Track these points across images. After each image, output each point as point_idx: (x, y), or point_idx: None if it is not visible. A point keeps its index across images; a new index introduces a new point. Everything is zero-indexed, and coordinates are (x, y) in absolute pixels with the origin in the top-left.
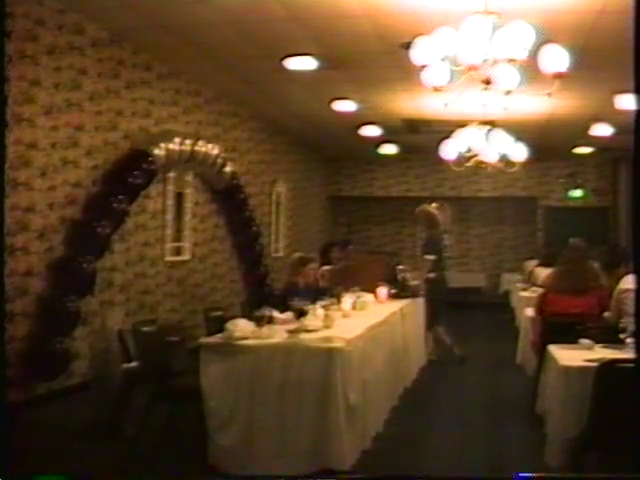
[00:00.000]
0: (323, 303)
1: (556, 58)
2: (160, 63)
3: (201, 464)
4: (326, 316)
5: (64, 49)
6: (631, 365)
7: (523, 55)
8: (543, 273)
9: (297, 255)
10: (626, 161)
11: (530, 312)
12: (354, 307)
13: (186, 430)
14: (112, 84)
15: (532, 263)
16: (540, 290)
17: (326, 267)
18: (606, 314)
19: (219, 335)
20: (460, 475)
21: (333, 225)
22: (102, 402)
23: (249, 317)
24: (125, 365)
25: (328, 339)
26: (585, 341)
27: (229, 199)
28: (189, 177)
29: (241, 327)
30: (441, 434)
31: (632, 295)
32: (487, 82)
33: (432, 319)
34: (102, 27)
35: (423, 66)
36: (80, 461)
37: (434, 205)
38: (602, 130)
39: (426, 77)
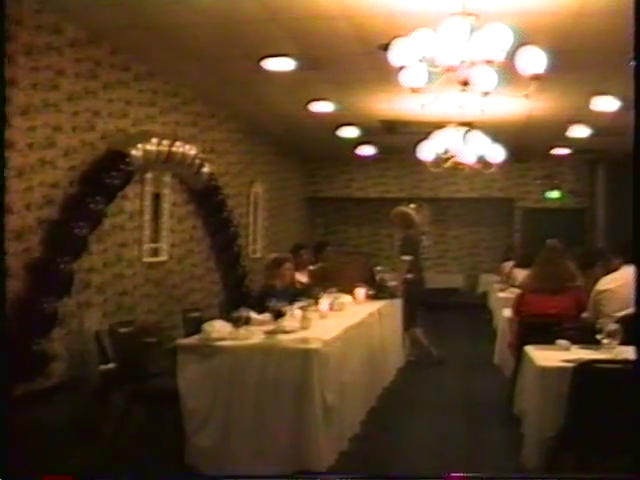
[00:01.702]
0: (300, 304)
1: (534, 60)
2: (138, 63)
3: (179, 465)
4: (303, 317)
5: (42, 49)
6: (608, 366)
7: (501, 57)
8: (520, 274)
9: (272, 256)
10: (603, 162)
11: (507, 313)
12: (332, 308)
13: (164, 431)
14: (90, 84)
15: (509, 264)
16: (517, 291)
17: (309, 268)
18: (583, 315)
19: (196, 336)
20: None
21: (311, 226)
22: (80, 403)
23: (227, 318)
24: (102, 366)
25: (305, 340)
26: (562, 342)
27: (207, 200)
28: (167, 178)
29: (218, 328)
30: (419, 435)
31: (609, 295)
32: (465, 83)
33: (410, 320)
34: (80, 27)
35: (401, 67)
36: (58, 462)
37: (412, 206)
38: (579, 132)
39: (404, 78)
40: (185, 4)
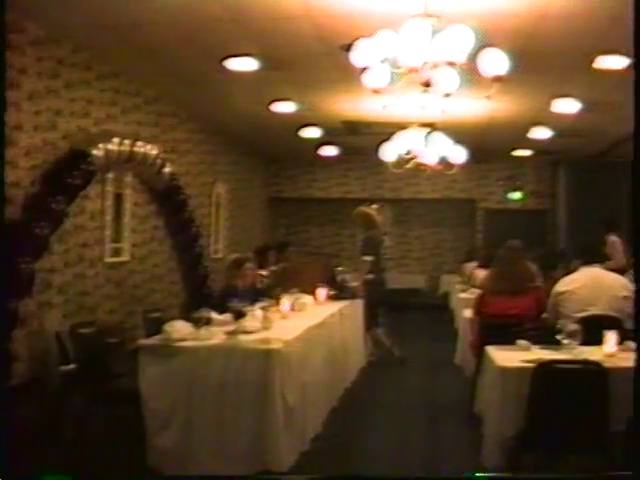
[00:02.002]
0: (262, 305)
1: (495, 61)
2: (100, 63)
3: (140, 466)
4: (265, 317)
5: (7, 47)
6: (568, 366)
7: (463, 58)
8: (482, 274)
9: (233, 256)
10: (565, 164)
11: (468, 313)
12: (293, 309)
13: (125, 432)
14: (52, 83)
15: (471, 265)
16: (478, 291)
17: (271, 268)
18: (543, 315)
19: (157, 337)
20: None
21: (273, 226)
22: (40, 404)
23: (188, 319)
24: (63, 367)
25: (266, 340)
26: (522, 342)
27: (168, 200)
28: (128, 178)
29: (179, 329)
30: (380, 435)
31: (568, 297)
32: (427, 85)
33: (371, 320)
34: (42, 26)
35: (363, 68)
36: (18, 464)
37: (374, 207)
38: (541, 133)
39: (366, 79)
40: (147, 3)
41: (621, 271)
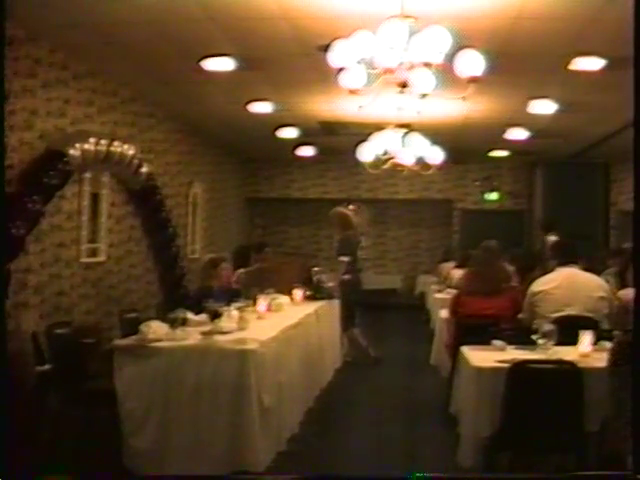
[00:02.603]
0: (238, 305)
1: (472, 62)
2: (77, 62)
3: (116, 467)
4: (241, 318)
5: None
6: (542, 366)
7: (439, 59)
8: (458, 274)
9: (208, 256)
10: (541, 165)
11: (444, 314)
12: (269, 309)
13: (101, 433)
14: (28, 83)
15: (448, 265)
16: (455, 292)
17: (241, 269)
18: (519, 315)
19: (133, 337)
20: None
21: (250, 227)
22: (16, 405)
23: (164, 319)
24: (39, 368)
25: (242, 341)
26: (498, 342)
27: (145, 200)
28: (105, 178)
29: (155, 329)
30: (356, 435)
31: (544, 297)
32: (403, 85)
33: (347, 321)
34: (18, 25)
35: (340, 69)
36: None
37: (351, 207)
38: (517, 134)
39: (343, 80)
40: (124, 3)
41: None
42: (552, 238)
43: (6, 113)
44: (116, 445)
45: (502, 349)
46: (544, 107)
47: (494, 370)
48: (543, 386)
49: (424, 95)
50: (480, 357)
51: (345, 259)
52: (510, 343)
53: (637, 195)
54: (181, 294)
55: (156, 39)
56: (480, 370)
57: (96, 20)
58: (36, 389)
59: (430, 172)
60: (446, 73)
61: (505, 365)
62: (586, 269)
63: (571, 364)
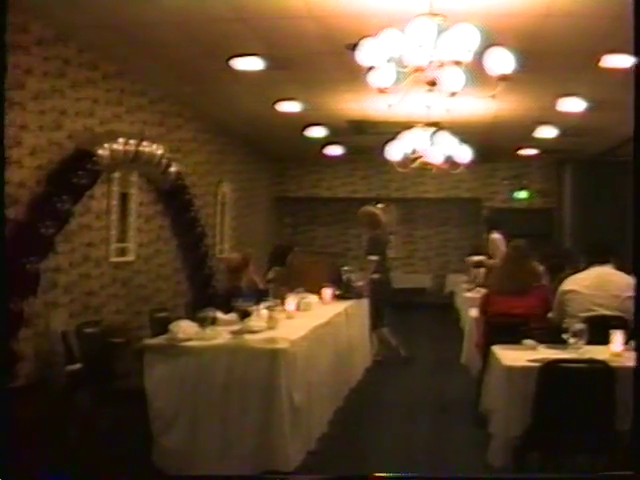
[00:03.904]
0: (267, 304)
1: (501, 60)
2: (106, 62)
3: (146, 466)
4: (270, 317)
5: (8, 48)
6: (574, 365)
7: (468, 57)
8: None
9: (237, 255)
10: (570, 163)
11: (474, 313)
12: (298, 308)
13: (130, 432)
14: (57, 83)
15: None
16: (484, 291)
17: (275, 268)
18: (549, 314)
19: (163, 337)
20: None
21: (278, 226)
22: (46, 404)
23: (193, 318)
24: (69, 367)
25: (272, 340)
26: (528, 341)
27: (174, 200)
28: (134, 177)
29: (184, 328)
30: (386, 434)
31: (574, 296)
32: (432, 84)
33: (377, 320)
34: (47, 26)
35: (369, 67)
36: (23, 463)
37: (379, 206)
38: (546, 132)
39: (371, 78)
40: (153, 3)
41: None
42: (494, 236)
43: (36, 113)
44: (145, 444)
45: (533, 348)
46: (573, 105)
47: (525, 369)
48: (575, 385)
49: (453, 93)
50: (511, 356)
51: (374, 258)
52: (540, 342)
53: (637, 195)
54: (210, 293)
55: (184, 39)
56: (511, 369)
57: (125, 20)
58: (66, 388)
59: (459, 171)
60: (475, 71)
61: (536, 364)
62: (619, 268)
63: (603, 363)
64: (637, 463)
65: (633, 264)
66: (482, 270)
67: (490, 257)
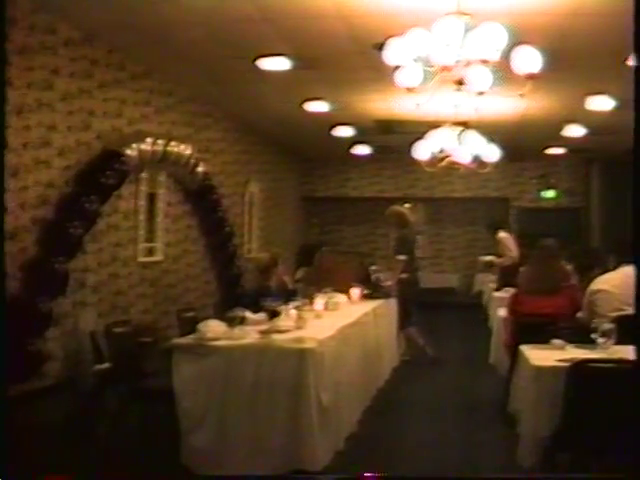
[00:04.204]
0: (295, 304)
1: (529, 59)
2: (133, 63)
3: (174, 465)
4: (298, 317)
5: (36, 49)
6: (603, 365)
7: (496, 56)
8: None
9: (265, 255)
10: (598, 162)
11: (502, 312)
12: (326, 308)
13: (158, 431)
14: (85, 84)
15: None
16: (512, 290)
17: (303, 268)
18: (578, 314)
19: (191, 336)
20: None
21: (306, 226)
22: (74, 403)
23: (221, 318)
24: (97, 366)
25: (300, 340)
26: (557, 341)
27: (202, 200)
28: (162, 177)
29: (213, 328)
30: (414, 434)
31: (603, 296)
32: (460, 83)
33: (405, 319)
34: (75, 27)
35: (396, 67)
36: (52, 462)
37: (407, 205)
38: (575, 131)
39: (399, 78)
40: (180, 4)
41: (517, 266)
42: (502, 235)
43: (64, 114)
44: (174, 443)
45: (562, 348)
46: (602, 103)
47: (554, 369)
48: (604, 385)
49: (481, 92)
50: (540, 356)
51: (402, 258)
52: (569, 342)
53: (637, 195)
54: (238, 293)
55: (211, 39)
56: (540, 369)
57: (152, 21)
58: (94, 387)
59: (486, 170)
60: (503, 70)
61: (565, 364)
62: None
63: (632, 363)
64: (637, 463)
65: (634, 264)
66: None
67: (500, 256)
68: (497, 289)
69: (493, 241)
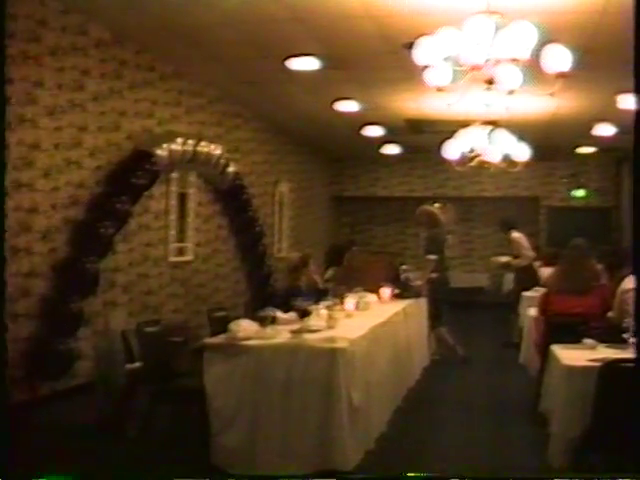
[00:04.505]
0: (326, 303)
1: (559, 58)
2: (163, 64)
3: (204, 465)
4: (329, 316)
5: (67, 50)
6: (635, 365)
7: (526, 55)
8: (546, 273)
9: (296, 255)
10: (629, 161)
11: (533, 312)
12: (357, 307)
13: (189, 430)
14: (115, 85)
15: (535, 263)
16: (543, 290)
17: (333, 268)
18: (609, 314)
19: (222, 335)
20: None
21: (336, 225)
22: (105, 402)
23: (252, 317)
24: (128, 365)
25: (331, 339)
26: (588, 341)
27: (232, 199)
28: (192, 178)
29: (244, 327)
30: (445, 434)
31: (634, 294)
32: (490, 82)
33: (435, 319)
34: (105, 28)
35: (426, 66)
36: (83, 461)
37: (437, 205)
38: (605, 130)
39: (429, 77)
40: (209, 5)
41: (530, 267)
42: (516, 235)
43: (95, 114)
44: (204, 443)
45: (593, 348)
46: (632, 102)
47: (585, 369)
48: (636, 385)
49: (511, 91)
50: (571, 356)
51: (433, 257)
52: (600, 342)
53: (637, 195)
54: (268, 292)
55: (241, 40)
56: (571, 369)
57: (182, 22)
58: (126, 387)
59: (516, 169)
60: (533, 69)
61: (596, 364)
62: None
63: None
64: (637, 463)
65: (633, 263)
66: (539, 268)
67: (516, 257)
68: (519, 290)
69: (505, 240)
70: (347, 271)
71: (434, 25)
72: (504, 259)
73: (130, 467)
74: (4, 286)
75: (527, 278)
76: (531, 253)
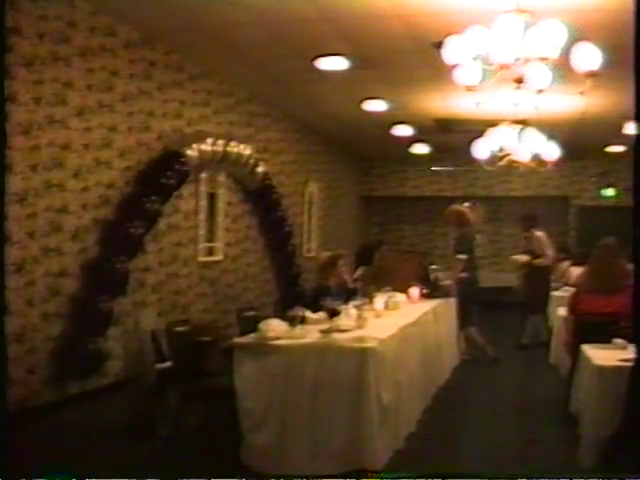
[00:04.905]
0: (355, 303)
1: (588, 56)
2: (192, 64)
3: (234, 464)
4: (359, 316)
5: (96, 51)
6: None
7: (555, 54)
8: (576, 272)
9: (326, 254)
10: None
11: (563, 312)
12: (386, 307)
13: (219, 430)
14: (144, 85)
15: (565, 263)
16: (572, 289)
17: (362, 267)
18: None
19: (252, 335)
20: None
21: (365, 225)
22: (135, 402)
23: (282, 317)
24: (158, 365)
25: (361, 339)
26: (619, 341)
27: (261, 199)
28: (221, 177)
29: (274, 327)
30: (474, 434)
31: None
32: (519, 81)
33: (465, 319)
34: (134, 29)
35: (455, 65)
36: (112, 461)
37: (466, 205)
38: (635, 128)
39: (458, 76)
40: (238, 4)
41: (550, 267)
42: (539, 234)
43: (124, 115)
44: (234, 442)
45: (624, 348)
46: None
47: (616, 369)
48: None
49: (540, 90)
50: (602, 356)
51: (462, 257)
52: (630, 342)
53: (637, 194)
54: (297, 292)
55: (270, 40)
56: (602, 369)
57: (210, 22)
58: (156, 386)
59: (546, 168)
60: (562, 68)
61: (628, 364)
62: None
63: None
64: (637, 463)
65: (633, 264)
66: (569, 268)
67: (537, 256)
68: (533, 291)
69: (526, 238)
70: (376, 271)
71: (463, 24)
72: (524, 258)
73: (160, 467)
74: (3, 284)
75: (541, 278)
76: (553, 253)
